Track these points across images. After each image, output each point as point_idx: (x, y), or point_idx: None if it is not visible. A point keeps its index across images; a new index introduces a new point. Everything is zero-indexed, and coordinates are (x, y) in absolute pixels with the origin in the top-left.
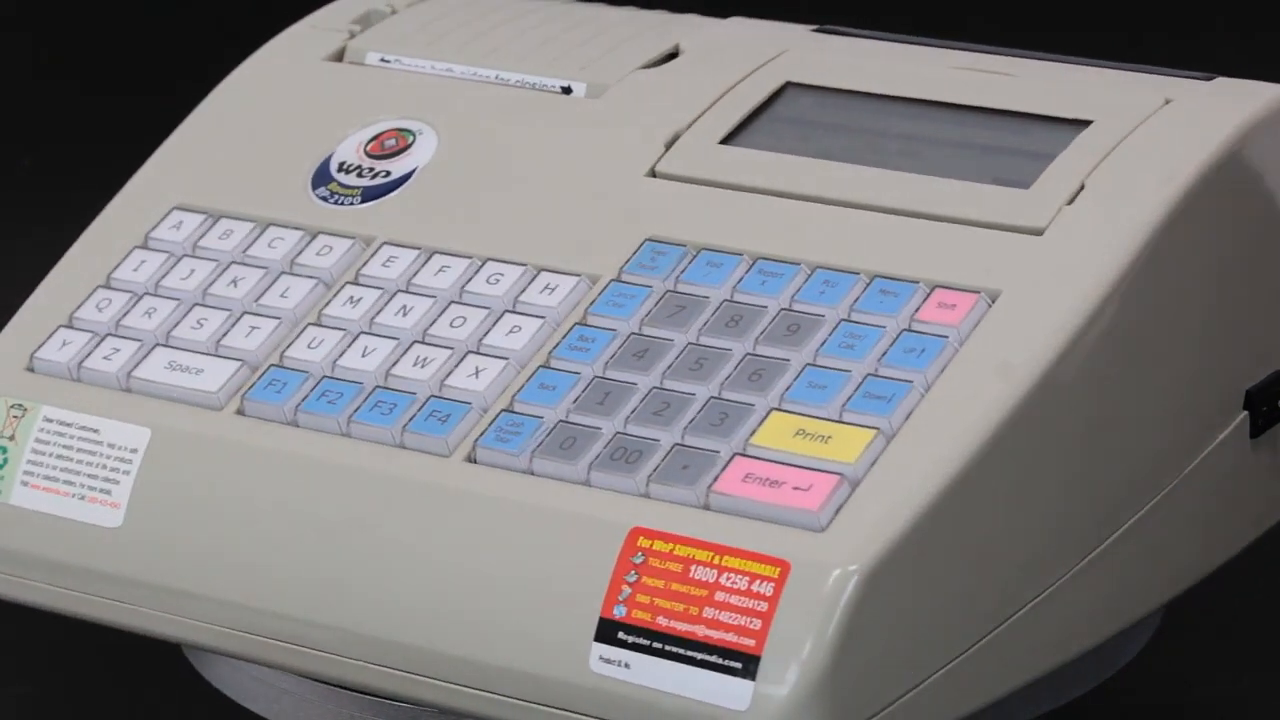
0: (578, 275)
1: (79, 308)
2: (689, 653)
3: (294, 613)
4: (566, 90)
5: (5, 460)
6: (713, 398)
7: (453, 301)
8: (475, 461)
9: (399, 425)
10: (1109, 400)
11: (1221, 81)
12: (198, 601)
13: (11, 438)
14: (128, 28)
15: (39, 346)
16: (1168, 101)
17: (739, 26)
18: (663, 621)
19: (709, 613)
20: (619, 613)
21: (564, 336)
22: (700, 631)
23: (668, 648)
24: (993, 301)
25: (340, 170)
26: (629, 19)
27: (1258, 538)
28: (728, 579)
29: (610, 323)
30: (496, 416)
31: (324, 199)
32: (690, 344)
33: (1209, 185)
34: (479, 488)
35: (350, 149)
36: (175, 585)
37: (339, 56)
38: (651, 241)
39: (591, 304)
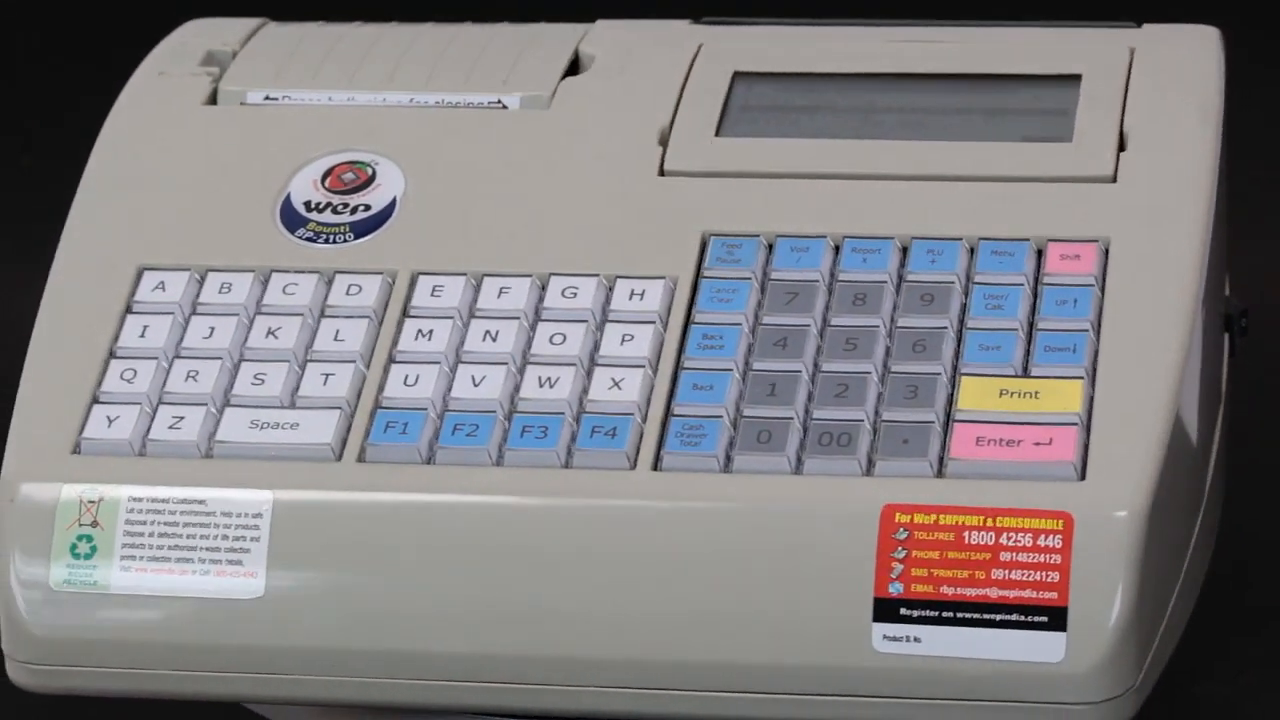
0: (661, 278)
1: (101, 383)
2: (986, 615)
3: (505, 650)
4: (499, 105)
5: (94, 549)
6: (890, 373)
7: (540, 320)
8: (661, 469)
9: (562, 446)
10: (1206, 323)
11: (1154, 28)
12: (369, 658)
13: (94, 524)
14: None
15: (82, 427)
16: (1133, 50)
17: (618, 28)
18: (948, 590)
19: (997, 574)
20: (895, 590)
21: (684, 338)
22: (994, 593)
23: (960, 615)
24: (1108, 248)
25: (310, 209)
26: (493, 34)
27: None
28: (1009, 538)
29: (726, 318)
30: (666, 423)
31: (310, 239)
32: (828, 326)
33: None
34: (691, 493)
35: (306, 187)
36: (340, 645)
37: (213, 99)
38: (716, 236)
39: (692, 303)
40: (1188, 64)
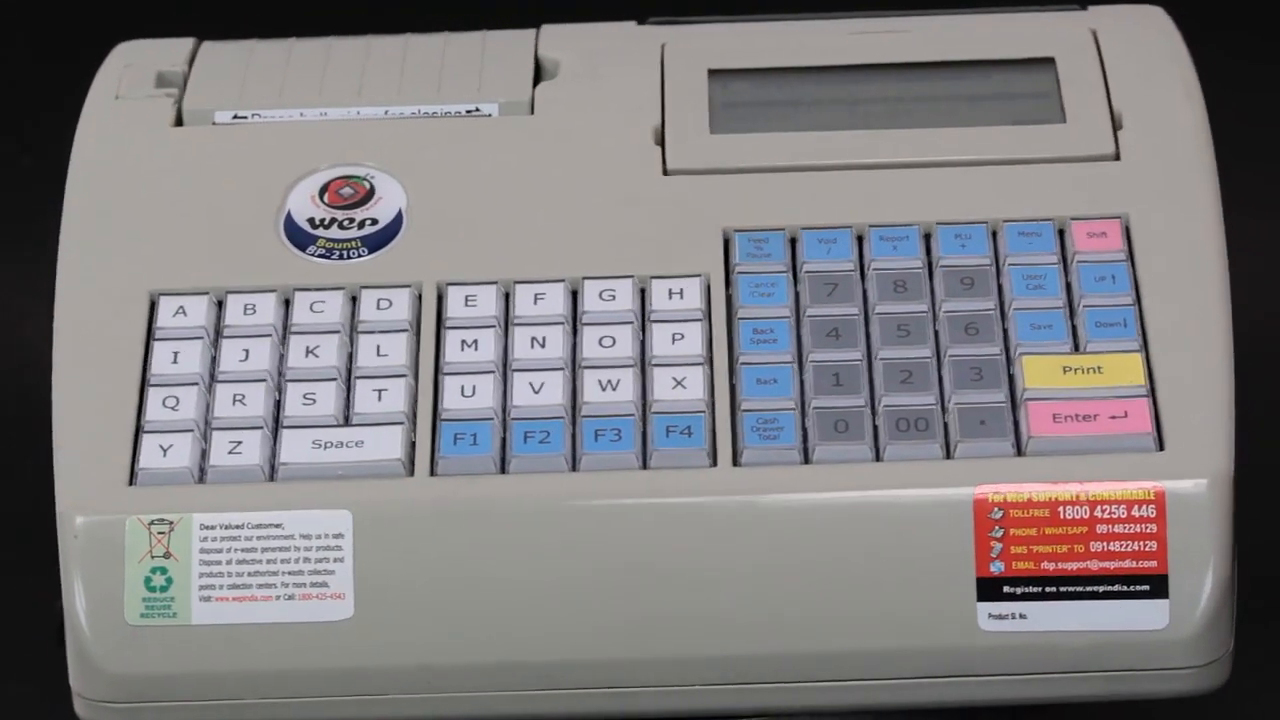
0: (695, 275)
1: (143, 412)
2: (1089, 588)
3: (608, 655)
4: (477, 113)
5: (170, 581)
6: (950, 356)
7: (583, 324)
8: (742, 465)
9: (638, 447)
10: None
11: (1100, 9)
12: (466, 672)
13: (167, 555)
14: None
15: (134, 457)
16: (1094, 31)
17: (568, 32)
18: (1049, 566)
19: (1096, 546)
20: (996, 569)
21: (734, 334)
22: (1094, 566)
23: (1063, 589)
24: (1128, 224)
25: (316, 226)
26: (444, 43)
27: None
28: (1104, 510)
29: (771, 312)
30: (736, 418)
31: (323, 256)
32: (877, 315)
33: None
34: (778, 486)
35: (305, 204)
36: (436, 661)
37: (178, 121)
38: (740, 232)
39: (730, 299)
40: (1154, 43)
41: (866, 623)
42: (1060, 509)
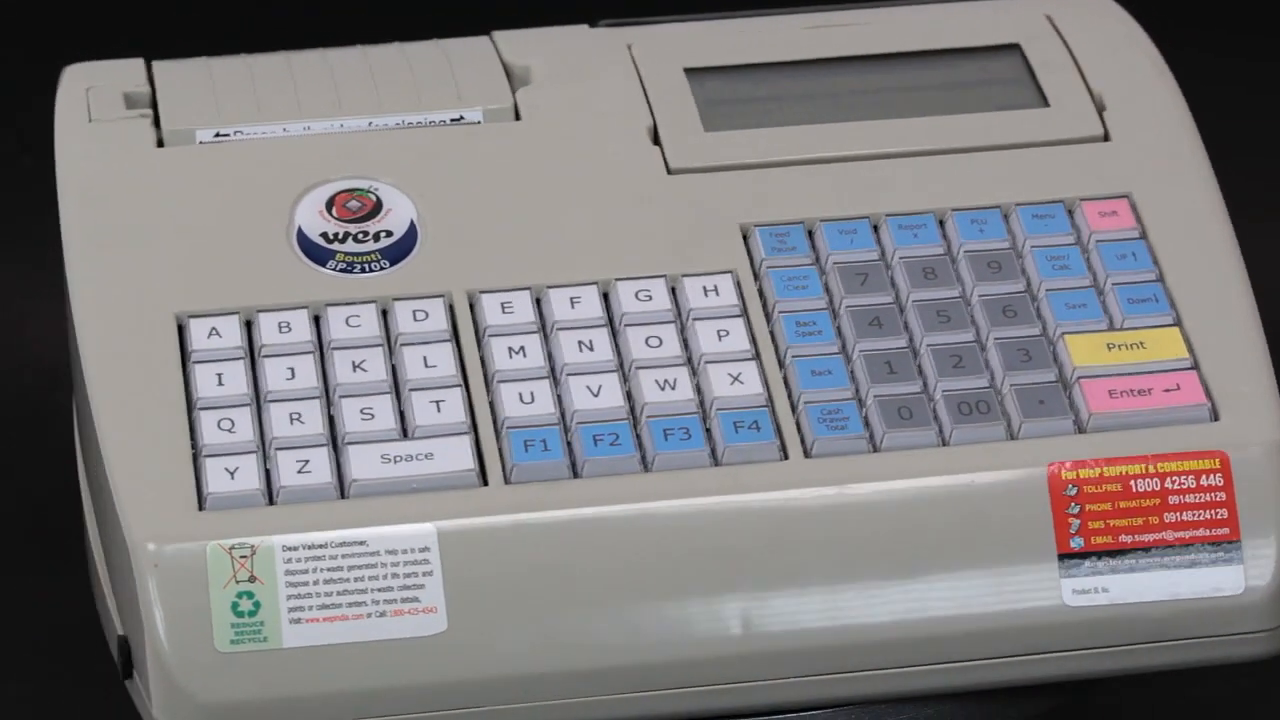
0: (726, 272)
1: (199, 436)
2: (1167, 558)
3: (705, 653)
4: (460, 120)
5: (257, 605)
6: (995, 340)
7: (626, 325)
8: (813, 456)
9: (708, 445)
10: None
11: None
12: (565, 679)
13: (252, 579)
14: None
15: (199, 482)
16: (1050, 17)
17: (525, 37)
18: (1126, 539)
19: (1169, 517)
20: (1076, 544)
21: (776, 328)
22: (1170, 536)
23: (1141, 560)
24: (1135, 201)
25: (331, 240)
26: (404, 53)
27: None
28: (1173, 481)
29: (810, 304)
30: (800, 411)
31: (345, 270)
32: (913, 302)
33: None
34: (854, 476)
35: (314, 219)
36: (534, 670)
37: (160, 143)
38: (759, 226)
39: (766, 294)
40: (1110, 26)
41: (954, 605)
42: (1132, 482)
